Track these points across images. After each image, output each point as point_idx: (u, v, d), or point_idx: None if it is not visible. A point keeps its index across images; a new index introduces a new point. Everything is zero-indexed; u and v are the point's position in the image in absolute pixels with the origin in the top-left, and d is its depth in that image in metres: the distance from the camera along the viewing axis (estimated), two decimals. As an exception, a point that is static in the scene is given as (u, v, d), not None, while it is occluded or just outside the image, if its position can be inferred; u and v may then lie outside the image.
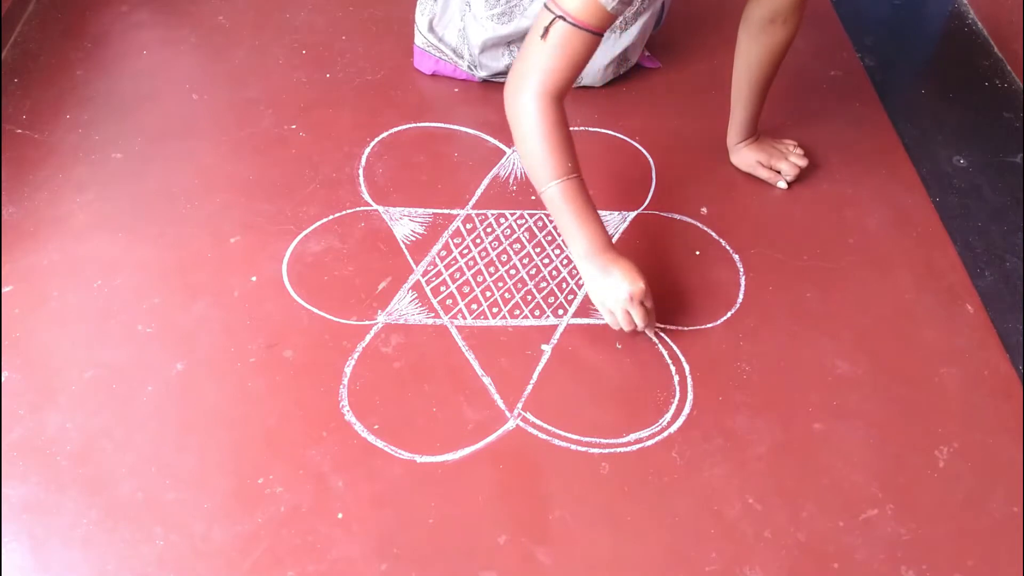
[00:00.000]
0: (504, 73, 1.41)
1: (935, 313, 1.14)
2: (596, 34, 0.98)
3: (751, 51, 1.18)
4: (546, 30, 0.98)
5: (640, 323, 1.04)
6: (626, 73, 1.45)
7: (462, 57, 1.41)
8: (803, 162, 1.28)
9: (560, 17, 0.96)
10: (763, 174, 1.28)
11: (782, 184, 1.28)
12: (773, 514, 0.94)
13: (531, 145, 1.01)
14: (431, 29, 1.42)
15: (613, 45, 1.35)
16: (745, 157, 1.29)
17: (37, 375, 1.03)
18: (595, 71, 1.39)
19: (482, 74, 1.42)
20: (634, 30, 1.34)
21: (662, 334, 1.10)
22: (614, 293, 1.02)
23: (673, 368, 1.07)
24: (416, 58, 1.46)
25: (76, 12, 1.55)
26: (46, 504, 0.92)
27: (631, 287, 1.01)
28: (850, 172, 1.32)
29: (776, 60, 1.19)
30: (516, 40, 1.36)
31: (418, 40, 1.44)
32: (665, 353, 1.08)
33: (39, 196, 1.23)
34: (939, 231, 1.25)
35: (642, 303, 1.02)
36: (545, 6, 0.98)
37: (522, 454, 0.98)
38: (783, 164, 1.28)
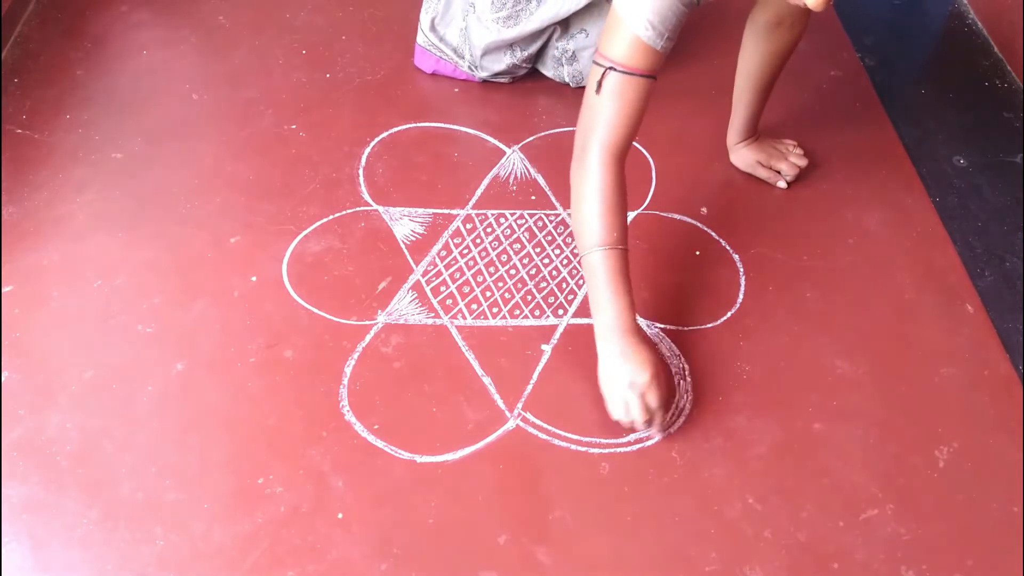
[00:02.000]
0: (504, 73, 1.41)
1: (935, 313, 1.14)
2: (649, 77, 0.95)
3: (756, 53, 1.18)
4: (599, 84, 0.95)
5: (636, 416, 0.95)
6: None
7: (463, 57, 1.41)
8: (803, 162, 1.28)
9: (610, 68, 0.94)
10: (763, 174, 1.28)
11: (782, 184, 1.28)
12: (773, 514, 0.94)
13: (586, 206, 0.97)
14: (432, 28, 1.42)
15: None
16: (745, 157, 1.29)
17: (37, 375, 1.03)
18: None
19: (482, 75, 1.42)
20: None
21: (662, 334, 1.10)
22: (618, 382, 0.96)
23: (673, 368, 1.07)
24: (417, 56, 1.46)
25: (76, 12, 1.55)
26: (46, 504, 0.92)
27: (635, 376, 0.95)
28: (850, 172, 1.32)
29: (780, 63, 1.19)
30: (519, 42, 1.36)
31: (420, 38, 1.44)
32: (665, 353, 1.08)
33: (39, 196, 1.23)
34: (939, 231, 1.25)
35: (643, 396, 0.95)
36: (594, 60, 0.96)
37: (522, 454, 0.98)
38: (783, 164, 1.28)
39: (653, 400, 0.95)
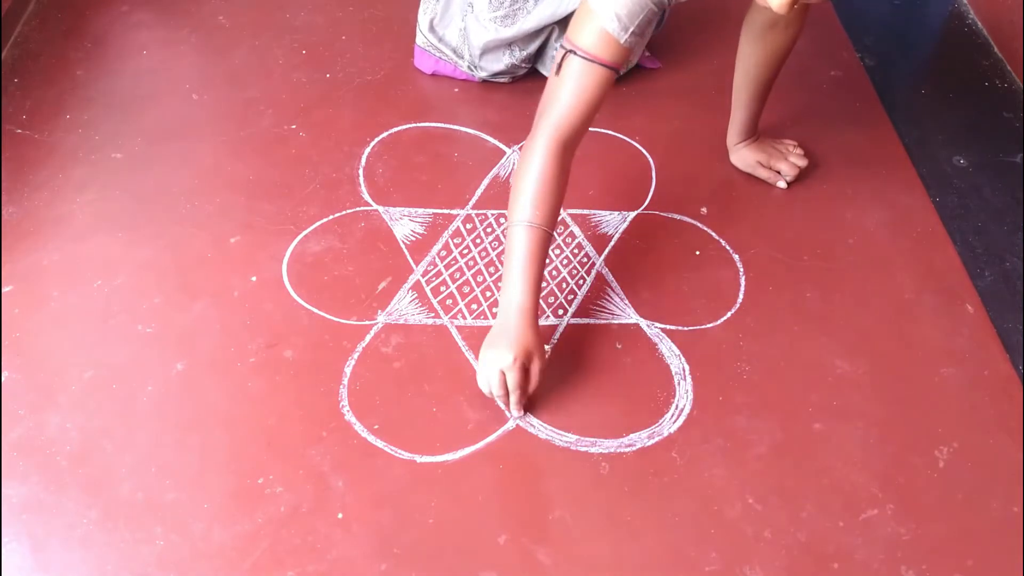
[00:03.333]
0: (504, 73, 1.41)
1: (935, 313, 1.14)
2: (610, 69, 0.95)
3: (753, 54, 1.18)
4: (559, 65, 0.96)
5: (495, 391, 0.97)
6: (627, 73, 1.45)
7: (462, 57, 1.41)
8: (803, 162, 1.28)
9: (571, 51, 0.95)
10: (763, 174, 1.28)
11: (782, 184, 1.28)
12: (773, 514, 0.94)
13: (523, 182, 0.98)
14: (431, 29, 1.42)
15: None
16: (745, 157, 1.29)
17: (37, 375, 1.03)
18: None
19: (482, 75, 1.42)
20: None
21: (662, 334, 1.10)
22: (487, 357, 0.97)
23: (673, 368, 1.07)
24: (416, 57, 1.46)
25: (76, 12, 1.55)
26: (46, 504, 0.92)
27: (503, 353, 0.95)
28: (850, 172, 1.32)
29: (777, 64, 1.19)
30: (518, 42, 1.36)
31: (419, 39, 1.44)
32: (665, 353, 1.08)
33: (39, 196, 1.23)
34: (939, 231, 1.25)
35: (503, 372, 0.95)
36: (561, 43, 0.97)
37: (522, 454, 0.98)
38: (783, 164, 1.28)
39: (510, 381, 0.96)
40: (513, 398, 0.98)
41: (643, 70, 1.48)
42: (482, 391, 0.99)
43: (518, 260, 0.97)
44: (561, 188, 0.99)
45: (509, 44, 1.36)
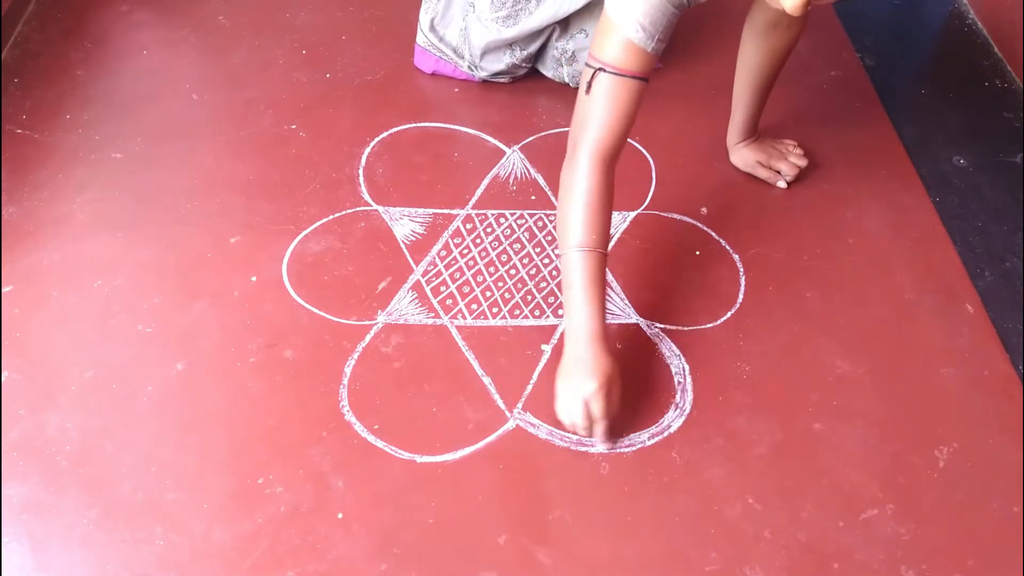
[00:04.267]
0: (504, 73, 1.41)
1: (935, 313, 1.14)
2: (641, 79, 0.94)
3: (754, 54, 1.18)
4: (589, 85, 0.95)
5: (577, 421, 0.95)
6: None
7: (462, 57, 1.41)
8: (803, 162, 1.28)
9: (600, 69, 0.94)
10: (763, 174, 1.28)
11: (782, 184, 1.28)
12: (773, 514, 0.94)
13: (571, 206, 0.97)
14: (432, 28, 1.42)
15: None
16: (745, 157, 1.29)
17: (37, 375, 1.03)
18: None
19: (482, 75, 1.42)
20: None
21: (662, 334, 1.10)
22: (568, 387, 0.95)
23: (673, 368, 1.07)
24: (416, 57, 1.46)
25: (76, 12, 1.55)
26: (46, 504, 0.92)
27: (584, 383, 0.94)
28: (850, 172, 1.32)
29: (778, 63, 1.19)
30: (519, 42, 1.36)
31: (419, 39, 1.44)
32: (665, 353, 1.08)
33: (39, 196, 1.23)
34: (939, 231, 1.25)
35: (587, 404, 0.94)
36: (586, 63, 0.96)
37: (522, 454, 0.98)
38: (783, 164, 1.28)
39: (596, 410, 0.94)
40: (600, 427, 0.96)
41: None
42: (562, 422, 0.97)
43: (580, 286, 0.95)
44: (610, 206, 0.98)
45: (510, 44, 1.36)
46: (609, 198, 0.98)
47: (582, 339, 0.95)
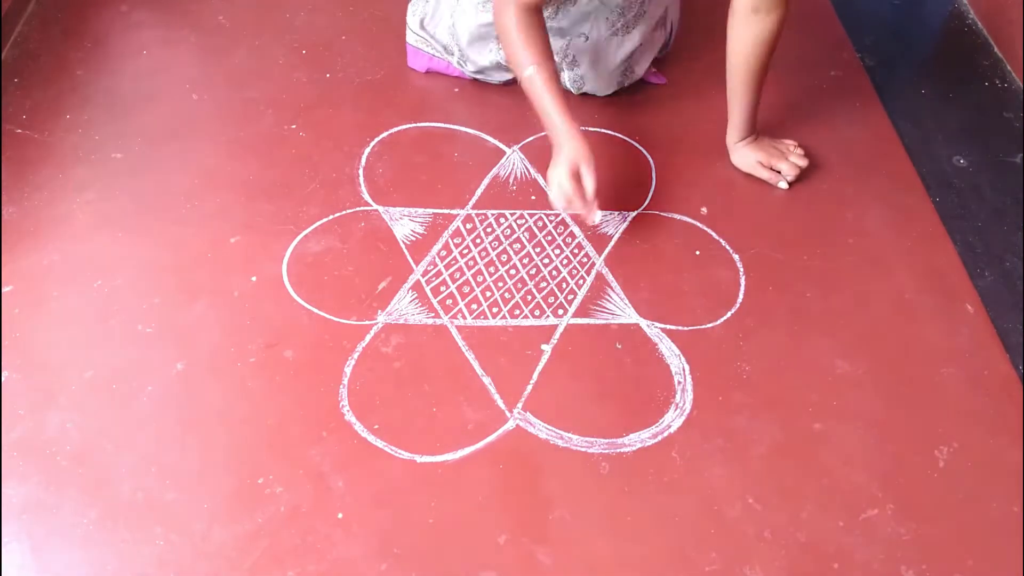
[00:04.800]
0: (491, 70, 1.39)
1: (935, 313, 1.14)
2: None
3: (740, 43, 1.17)
4: None
5: (568, 191, 1.10)
6: (631, 85, 1.43)
7: (452, 54, 1.40)
8: (803, 162, 1.28)
9: None
10: (763, 174, 1.28)
11: (783, 184, 1.28)
12: (773, 514, 0.94)
13: (511, 47, 1.15)
14: (422, 27, 1.42)
15: (616, 51, 1.34)
16: (745, 157, 1.29)
17: (37, 375, 1.03)
18: (600, 79, 1.38)
19: (471, 69, 1.40)
20: (635, 35, 1.33)
21: (662, 334, 1.10)
22: (558, 163, 1.11)
23: (673, 368, 1.07)
24: (410, 57, 1.46)
25: (76, 12, 1.55)
26: (46, 504, 0.92)
27: (571, 156, 1.10)
28: (850, 172, 1.32)
29: (763, 52, 1.17)
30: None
31: (410, 38, 1.44)
32: (665, 353, 1.08)
33: (39, 196, 1.23)
34: (939, 231, 1.25)
35: (575, 177, 1.10)
36: None
37: (522, 454, 0.98)
38: (783, 164, 1.27)
39: (588, 181, 1.11)
40: (578, 196, 1.11)
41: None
42: (556, 202, 1.13)
43: (546, 99, 1.13)
44: (543, 33, 1.15)
45: (495, 36, 1.35)
46: (542, 29, 1.15)
47: (561, 132, 1.13)
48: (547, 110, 1.13)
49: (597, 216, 1.14)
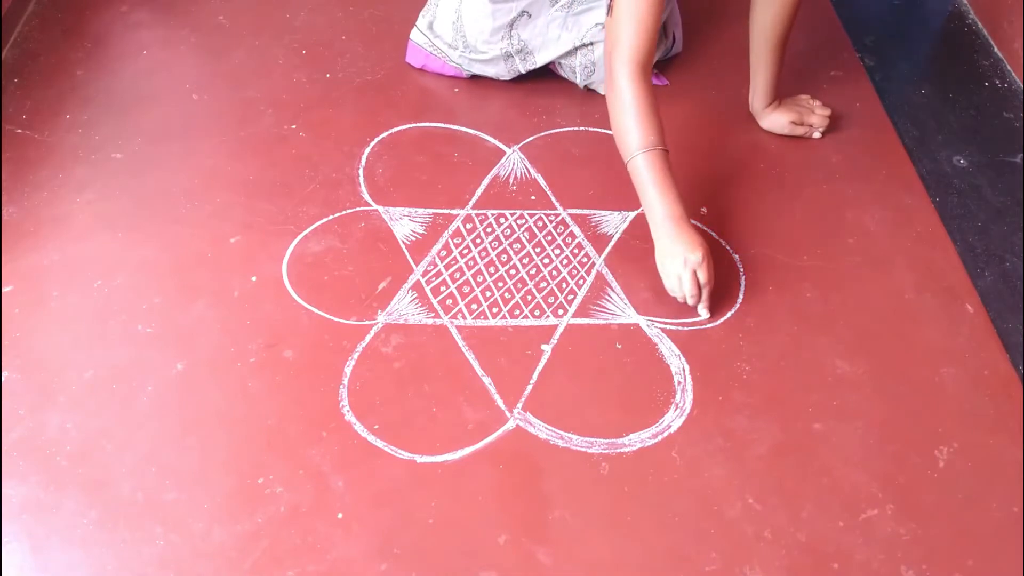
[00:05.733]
0: (493, 62, 1.38)
1: (935, 313, 1.14)
2: None
3: (763, 10, 1.22)
4: (609, 8, 1.09)
5: (687, 290, 1.07)
6: None
7: (455, 48, 1.40)
8: (827, 111, 1.36)
9: None
10: (799, 131, 1.35)
11: (817, 135, 1.36)
12: (773, 514, 0.94)
13: (622, 118, 1.09)
14: (430, 27, 1.42)
15: None
16: (777, 120, 1.34)
17: (37, 375, 1.03)
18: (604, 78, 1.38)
19: (474, 61, 1.39)
20: None
21: (662, 334, 1.10)
22: (673, 260, 1.07)
23: (673, 368, 1.07)
24: (408, 52, 1.46)
25: (76, 12, 1.55)
26: (46, 504, 0.92)
27: (688, 253, 1.06)
28: (850, 172, 1.32)
29: (788, 16, 1.22)
30: (517, 27, 1.34)
31: (414, 35, 1.44)
32: (665, 353, 1.08)
33: (39, 196, 1.23)
34: (939, 231, 1.25)
35: (695, 272, 1.06)
36: None
37: (522, 454, 0.98)
38: (814, 118, 1.35)
39: (703, 275, 1.07)
40: (707, 291, 1.08)
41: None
42: (673, 295, 1.10)
43: (654, 182, 1.08)
44: (657, 109, 1.10)
45: (510, 25, 1.35)
46: (654, 101, 1.09)
47: (670, 222, 1.07)
48: (666, 194, 1.07)
49: (705, 313, 1.11)
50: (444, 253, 1.19)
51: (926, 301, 1.15)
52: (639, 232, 1.22)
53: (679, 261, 1.06)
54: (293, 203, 1.24)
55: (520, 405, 1.03)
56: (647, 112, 1.08)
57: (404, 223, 1.23)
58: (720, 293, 1.15)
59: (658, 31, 1.09)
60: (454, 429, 1.00)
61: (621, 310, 1.13)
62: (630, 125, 1.08)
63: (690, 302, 1.09)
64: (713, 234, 1.22)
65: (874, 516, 0.94)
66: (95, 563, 0.88)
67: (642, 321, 1.12)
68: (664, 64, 1.49)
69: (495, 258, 1.19)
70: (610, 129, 1.36)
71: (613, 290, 1.15)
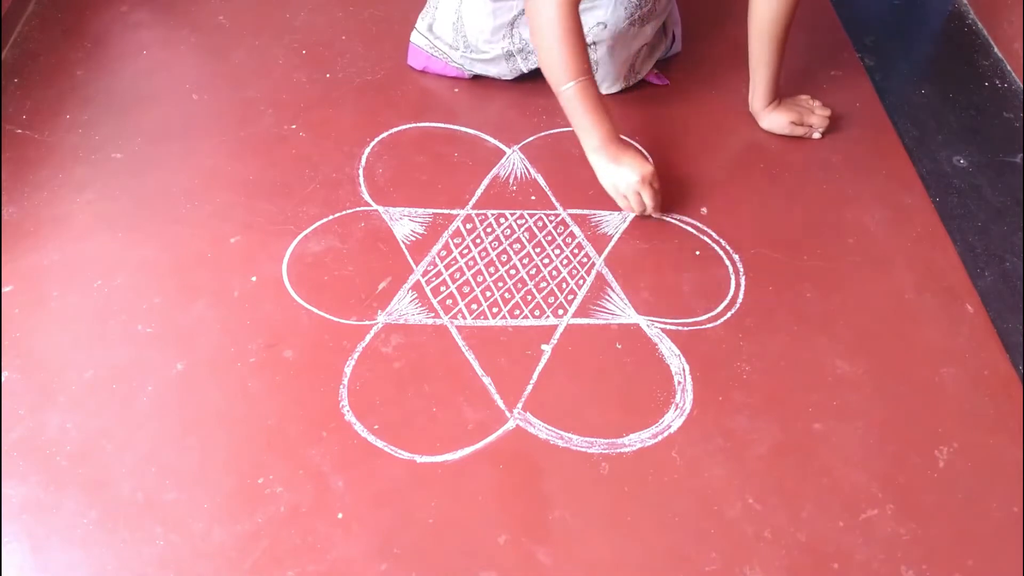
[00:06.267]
0: (495, 61, 1.38)
1: (935, 313, 1.14)
2: None
3: (763, 10, 1.22)
4: None
5: (650, 203, 1.15)
6: (633, 85, 1.43)
7: (456, 48, 1.40)
8: (827, 111, 1.36)
9: None
10: (799, 132, 1.35)
11: (817, 135, 1.36)
12: (773, 514, 0.94)
13: (549, 50, 1.11)
14: (430, 29, 1.42)
15: (631, 42, 1.34)
16: (776, 120, 1.35)
17: (37, 375, 1.03)
18: (612, 67, 1.38)
19: (475, 60, 1.39)
20: (648, 30, 1.33)
21: (662, 334, 1.10)
22: (625, 178, 1.13)
23: (673, 368, 1.07)
24: (410, 55, 1.46)
25: (76, 12, 1.55)
26: (46, 504, 0.92)
27: (641, 170, 1.12)
28: (850, 172, 1.32)
29: (787, 15, 1.23)
30: (520, 15, 1.34)
31: (414, 37, 1.44)
32: (665, 353, 1.08)
33: (39, 196, 1.23)
34: (939, 231, 1.25)
35: (651, 185, 1.13)
36: None
37: (522, 454, 0.98)
38: (814, 118, 1.35)
39: (656, 183, 1.16)
40: (656, 199, 1.17)
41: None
42: (630, 210, 1.19)
43: (586, 109, 1.12)
44: (583, 39, 1.11)
45: (511, 23, 1.34)
46: (580, 28, 1.11)
47: (605, 146, 1.14)
48: (595, 121, 1.13)
49: (657, 213, 1.20)
50: (444, 253, 1.19)
51: (926, 301, 1.15)
52: (639, 232, 1.22)
53: (633, 179, 1.14)
54: (293, 203, 1.24)
55: (520, 405, 1.03)
56: (575, 40, 1.10)
57: (404, 223, 1.23)
58: (720, 293, 1.15)
59: None
60: (454, 429, 1.00)
61: (621, 310, 1.13)
62: (561, 54, 1.10)
63: (652, 212, 1.19)
64: (713, 234, 1.22)
65: (874, 516, 0.94)
66: (95, 563, 0.88)
67: (642, 321, 1.12)
68: (664, 64, 1.49)
69: (495, 258, 1.19)
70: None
71: (613, 290, 1.15)
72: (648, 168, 1.15)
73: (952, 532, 0.93)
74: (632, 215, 1.24)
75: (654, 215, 1.21)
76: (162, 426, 0.99)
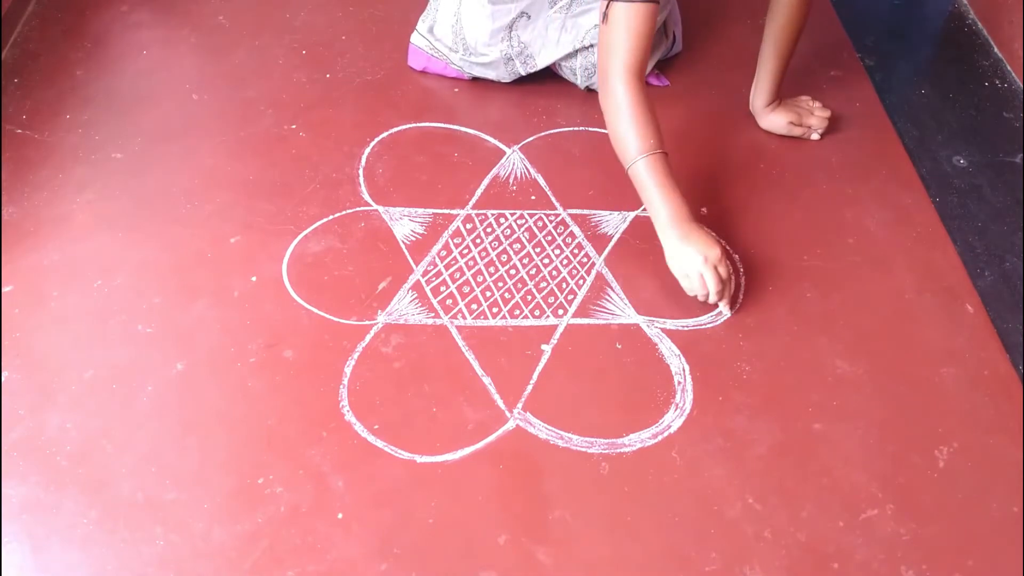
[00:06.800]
0: (493, 65, 1.38)
1: (935, 313, 1.14)
2: (651, 1, 1.06)
3: (782, 11, 1.23)
4: (604, 15, 1.08)
5: (712, 287, 1.06)
6: None
7: (456, 51, 1.40)
8: (827, 113, 1.36)
9: (611, 0, 1.06)
10: (797, 132, 1.35)
11: (815, 136, 1.36)
12: (773, 514, 0.94)
13: (620, 124, 1.09)
14: (430, 31, 1.42)
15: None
16: (775, 120, 1.35)
17: (37, 375, 1.03)
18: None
19: (475, 63, 1.39)
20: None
21: (662, 334, 1.10)
22: (690, 259, 1.06)
23: (673, 368, 1.07)
24: (410, 55, 1.46)
25: (76, 12, 1.55)
26: (46, 504, 0.92)
27: (706, 250, 1.06)
28: (850, 172, 1.32)
29: (796, 23, 1.24)
30: (517, 27, 1.34)
31: (414, 38, 1.44)
32: (665, 353, 1.08)
33: (39, 196, 1.23)
34: (939, 231, 1.25)
35: (715, 268, 1.06)
36: None
37: (522, 454, 0.98)
38: (813, 120, 1.35)
39: (724, 271, 1.07)
40: (729, 287, 1.09)
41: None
42: (696, 297, 1.09)
43: (656, 185, 1.07)
44: (654, 111, 1.10)
45: (510, 27, 1.35)
46: (650, 105, 1.10)
47: (677, 224, 1.07)
48: (671, 197, 1.07)
49: (728, 311, 1.11)
50: (444, 253, 1.19)
51: (926, 301, 1.15)
52: (639, 232, 1.22)
53: (697, 260, 1.05)
54: (293, 203, 1.24)
55: (520, 405, 1.03)
56: (644, 116, 1.08)
57: (404, 223, 1.23)
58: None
59: (652, 37, 1.10)
60: (454, 429, 1.00)
61: (621, 310, 1.13)
62: (628, 131, 1.08)
63: (713, 299, 1.08)
64: (713, 233, 1.22)
65: (874, 516, 0.94)
66: (95, 563, 0.88)
67: (642, 321, 1.12)
68: (664, 64, 1.49)
69: (495, 258, 1.19)
70: (610, 129, 1.37)
71: (613, 290, 1.15)
72: (715, 251, 1.06)
73: (952, 532, 0.93)
74: (632, 214, 1.24)
75: (720, 306, 1.10)
76: (162, 426, 0.99)
